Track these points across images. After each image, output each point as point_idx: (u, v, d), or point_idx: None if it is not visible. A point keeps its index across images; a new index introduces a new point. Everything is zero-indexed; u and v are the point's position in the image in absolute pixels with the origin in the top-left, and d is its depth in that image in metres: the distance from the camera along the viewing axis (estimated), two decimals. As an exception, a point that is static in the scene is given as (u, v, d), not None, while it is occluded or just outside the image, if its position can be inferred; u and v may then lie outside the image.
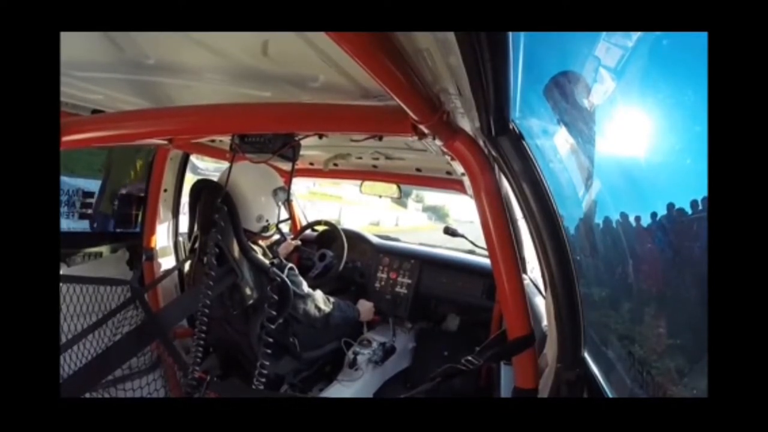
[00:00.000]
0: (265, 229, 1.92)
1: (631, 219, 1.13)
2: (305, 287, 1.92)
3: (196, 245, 1.83)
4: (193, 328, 1.85)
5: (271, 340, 1.64)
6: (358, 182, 2.93)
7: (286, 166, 1.68)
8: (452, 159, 1.61)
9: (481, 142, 1.17)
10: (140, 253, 2.38)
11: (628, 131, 1.09)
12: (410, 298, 2.70)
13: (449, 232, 2.57)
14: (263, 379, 1.63)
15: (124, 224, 2.46)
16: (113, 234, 2.40)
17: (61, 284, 1.92)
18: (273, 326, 1.66)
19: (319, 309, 1.95)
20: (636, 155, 1.09)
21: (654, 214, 1.03)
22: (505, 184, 1.33)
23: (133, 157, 2.45)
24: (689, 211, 0.92)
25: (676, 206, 0.96)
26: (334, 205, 13.19)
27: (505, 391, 1.71)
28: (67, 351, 1.83)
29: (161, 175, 2.36)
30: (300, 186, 3.93)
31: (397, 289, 2.74)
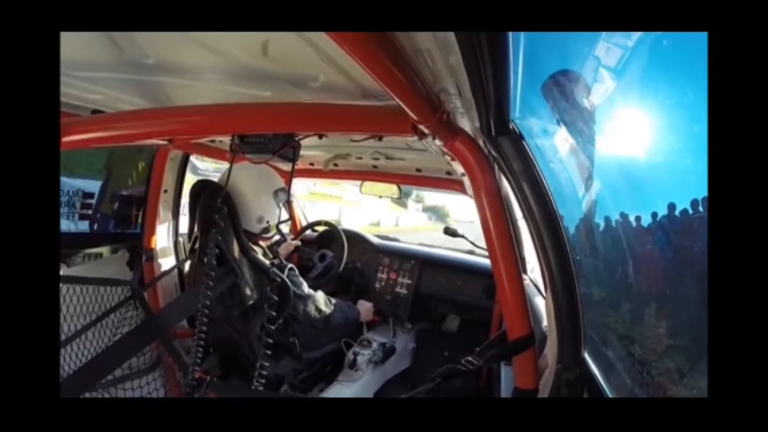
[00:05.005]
0: (266, 230, 1.92)
1: (631, 219, 1.13)
2: (305, 288, 1.92)
3: (196, 246, 1.83)
4: (193, 328, 1.85)
5: (270, 340, 1.63)
6: (358, 183, 2.93)
7: (287, 167, 1.68)
8: (452, 159, 1.61)
9: (481, 142, 1.17)
10: (140, 253, 2.38)
11: (628, 131, 1.09)
12: (410, 298, 2.70)
13: (449, 232, 2.57)
14: (263, 380, 1.62)
15: (125, 225, 2.46)
16: (113, 234, 2.39)
17: (61, 285, 1.92)
18: (273, 327, 1.65)
19: (319, 310, 1.94)
20: (636, 155, 1.09)
21: (654, 214, 1.03)
22: (505, 184, 1.33)
23: (135, 158, 2.44)
24: (690, 211, 0.92)
25: (677, 206, 0.97)
26: (333, 205, 13.21)
27: (505, 391, 1.71)
28: (65, 349, 1.83)
29: (161, 175, 2.36)
30: (300, 186, 3.92)
31: (397, 289, 2.74)
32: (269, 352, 1.62)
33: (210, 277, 1.65)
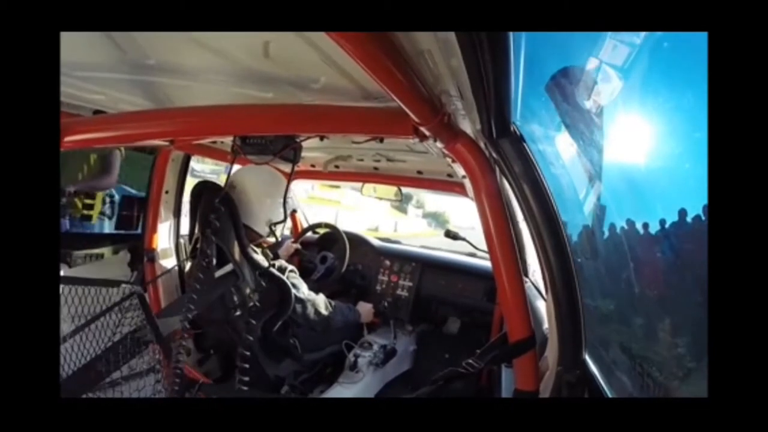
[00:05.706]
0: (272, 232, 1.93)
1: (634, 223, 1.13)
2: (305, 290, 1.93)
3: (197, 247, 1.83)
4: (191, 329, 1.85)
5: (250, 337, 1.62)
6: (359, 185, 2.93)
7: (288, 168, 1.69)
8: (453, 161, 1.60)
9: (482, 145, 1.16)
10: (142, 254, 2.38)
11: (631, 134, 1.09)
12: (411, 300, 2.70)
13: (450, 235, 2.57)
14: (245, 387, 1.61)
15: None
16: (114, 235, 2.39)
17: (62, 285, 1.91)
18: (251, 336, 1.65)
19: (318, 313, 1.95)
20: (639, 159, 1.09)
21: (663, 221, 1.02)
22: (506, 187, 1.33)
23: (87, 150, 2.39)
24: (702, 217, 0.92)
25: (680, 210, 0.96)
26: (331, 209, 13.18)
27: (506, 393, 1.70)
28: (65, 349, 1.83)
29: (163, 176, 2.36)
30: (298, 189, 3.92)
31: (398, 291, 2.74)
32: (248, 353, 1.61)
33: (199, 279, 1.65)
